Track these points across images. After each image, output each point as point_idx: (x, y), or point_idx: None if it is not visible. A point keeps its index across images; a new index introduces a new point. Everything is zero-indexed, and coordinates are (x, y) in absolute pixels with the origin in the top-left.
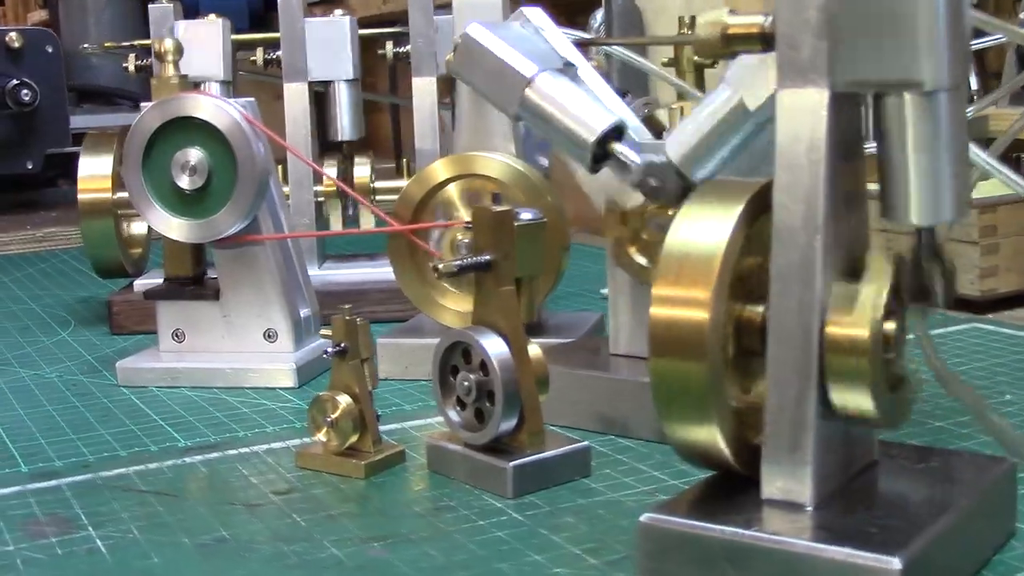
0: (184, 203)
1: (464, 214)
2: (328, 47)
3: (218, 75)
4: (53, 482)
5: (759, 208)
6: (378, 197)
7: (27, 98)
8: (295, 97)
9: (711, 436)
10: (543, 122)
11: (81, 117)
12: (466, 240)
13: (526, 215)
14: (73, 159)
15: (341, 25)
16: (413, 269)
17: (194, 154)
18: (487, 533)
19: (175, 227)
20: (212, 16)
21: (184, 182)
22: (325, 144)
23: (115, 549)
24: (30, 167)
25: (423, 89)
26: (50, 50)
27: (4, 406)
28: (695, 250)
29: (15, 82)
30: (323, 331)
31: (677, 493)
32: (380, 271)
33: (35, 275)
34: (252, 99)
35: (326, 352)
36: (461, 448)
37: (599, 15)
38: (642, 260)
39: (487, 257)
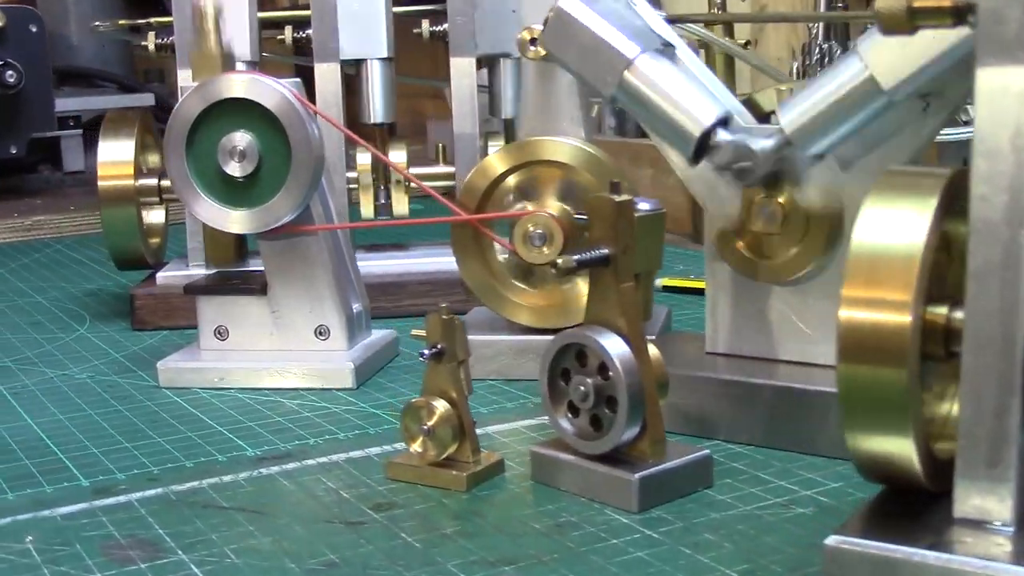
0: (233, 191)
1: (528, 203)
2: (361, 23)
3: (244, 55)
4: (121, 498)
5: (951, 200)
6: (414, 184)
7: (12, 79)
8: (326, 78)
9: (905, 450)
10: (642, 107)
11: (63, 100)
12: (539, 231)
13: (644, 205)
14: (56, 144)
15: (375, 0)
16: (478, 261)
17: (242, 138)
18: (625, 553)
19: (226, 218)
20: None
21: (233, 169)
22: (354, 128)
23: None
24: (14, 151)
25: (462, 70)
26: (34, 29)
27: (40, 410)
28: (890, 249)
29: None
30: (416, 331)
31: (854, 512)
32: (417, 262)
33: (32, 266)
34: (298, 79)
35: (422, 355)
36: (574, 458)
37: None
38: (748, 254)
39: (606, 251)
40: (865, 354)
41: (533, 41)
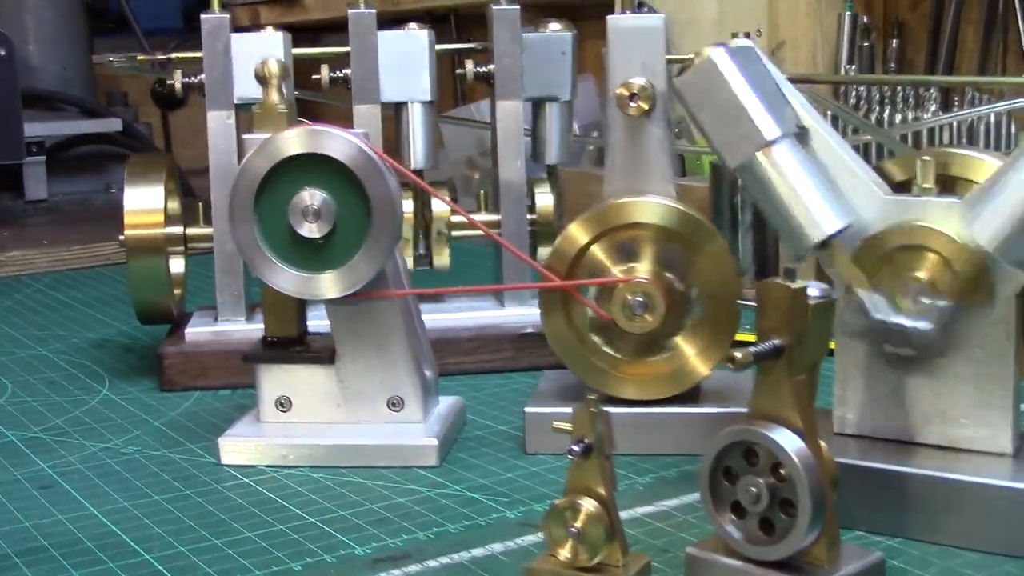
0: (308, 254)
1: (615, 270)
2: (403, 64)
3: None
4: None
5: None
6: (455, 232)
7: None
8: (366, 120)
9: None
10: (764, 192)
11: (27, 125)
12: (639, 299)
13: (814, 291)
14: (17, 171)
15: (419, 40)
16: (567, 327)
17: (316, 196)
18: None
19: (309, 284)
20: (270, 28)
21: (307, 230)
22: None
23: None
24: None
25: (508, 114)
26: (2, 53)
27: (98, 495)
28: None
29: None
30: (558, 423)
31: None
32: (463, 315)
33: (17, 309)
34: (365, 130)
35: (571, 451)
36: (740, 564)
37: None
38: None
39: (779, 342)
40: None
41: (633, 97)
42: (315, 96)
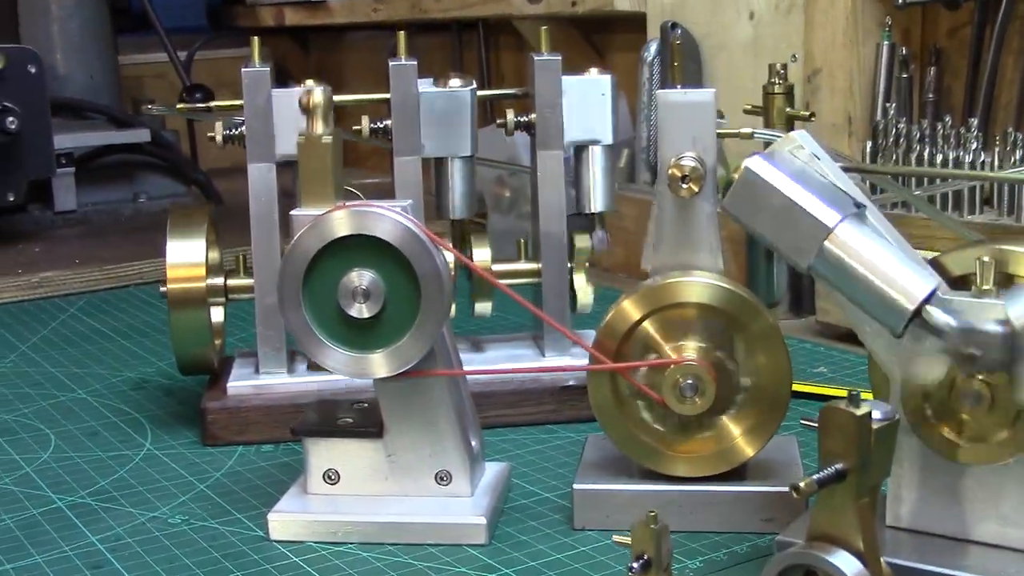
0: (355, 333)
1: (666, 349)
2: (445, 121)
3: None
4: None
5: None
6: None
7: (12, 126)
8: (406, 173)
9: None
10: (846, 278)
11: (56, 137)
12: (689, 381)
13: (877, 413)
14: (47, 182)
15: (462, 98)
16: (613, 402)
17: (365, 276)
18: None
19: (361, 364)
20: (310, 82)
21: (356, 310)
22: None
23: None
24: (12, 199)
25: (550, 165)
26: (33, 70)
27: None
28: None
29: None
30: (619, 538)
31: None
32: (503, 365)
33: (54, 340)
34: (410, 201)
35: (631, 569)
36: None
37: (653, 47)
38: (952, 436)
39: (841, 467)
40: None
41: (684, 179)
42: (356, 138)
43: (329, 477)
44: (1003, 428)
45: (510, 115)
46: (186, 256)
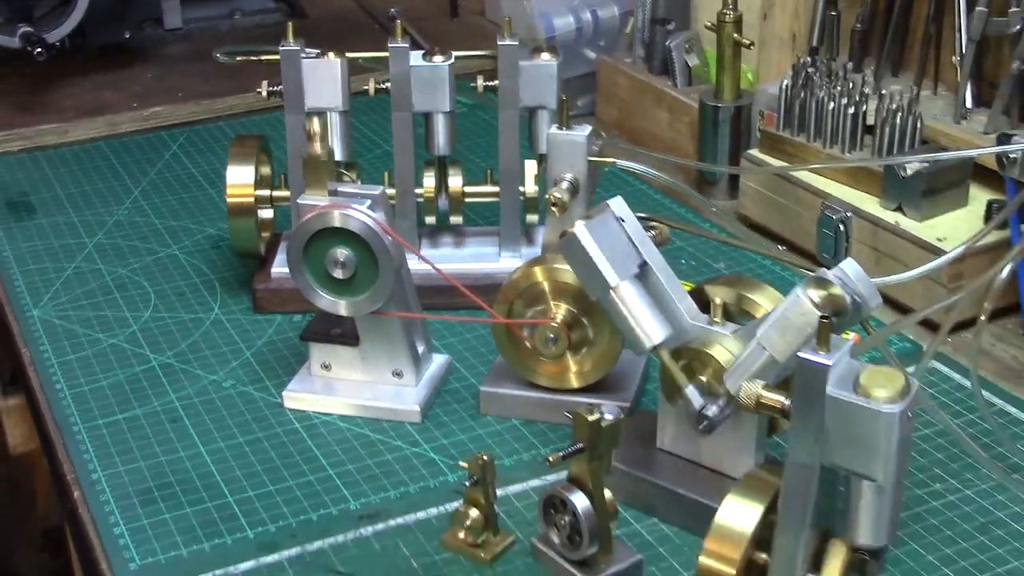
0: (338, 287)
1: (551, 304)
2: (430, 86)
3: (338, 106)
4: (276, 556)
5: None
6: (467, 200)
7: None
8: (401, 125)
9: None
10: (616, 316)
11: None
12: (551, 335)
13: (609, 416)
14: (157, 3)
15: (441, 69)
16: (512, 348)
17: (343, 253)
18: None
19: (334, 306)
20: (331, 55)
21: (337, 273)
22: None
23: None
24: (127, 36)
25: (507, 122)
26: None
27: (204, 433)
28: (735, 528)
29: None
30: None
31: None
32: (467, 265)
33: (159, 185)
34: (380, 189)
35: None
36: (558, 557)
37: None
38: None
39: (580, 446)
40: None
41: (555, 204)
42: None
43: (325, 366)
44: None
45: (480, 80)
46: (239, 179)
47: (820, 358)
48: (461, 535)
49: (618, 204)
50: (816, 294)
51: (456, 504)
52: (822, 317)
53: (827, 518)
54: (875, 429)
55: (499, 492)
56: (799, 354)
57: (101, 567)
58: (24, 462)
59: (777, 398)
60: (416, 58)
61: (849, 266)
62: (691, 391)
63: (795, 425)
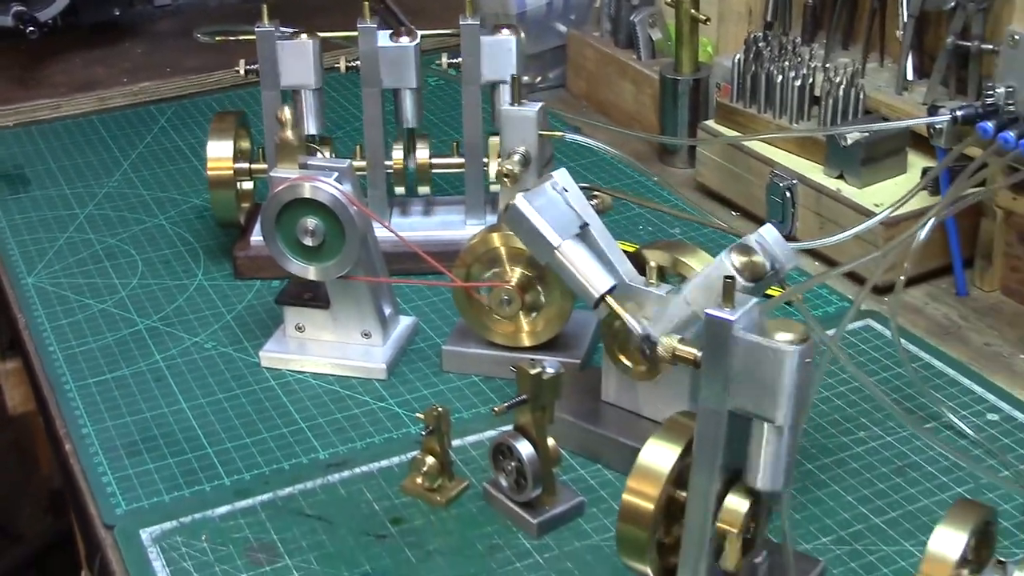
0: (308, 254)
1: (507, 267)
2: (396, 64)
3: (311, 84)
4: (250, 501)
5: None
6: (434, 171)
7: None
8: (371, 100)
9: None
10: (563, 272)
11: None
12: (506, 297)
13: (550, 370)
14: None
15: (407, 49)
16: (470, 309)
17: (312, 222)
18: (528, 557)
19: (304, 271)
20: (304, 36)
21: (307, 241)
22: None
23: None
24: (118, 14)
25: (470, 97)
26: None
27: (187, 391)
28: (654, 468)
29: None
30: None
31: None
32: (434, 233)
33: (147, 157)
34: (347, 163)
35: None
36: (506, 499)
37: None
38: (627, 363)
39: (524, 397)
40: (629, 519)
41: (506, 175)
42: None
43: (298, 328)
44: (640, 364)
45: (444, 57)
46: (219, 152)
47: (724, 314)
48: (419, 480)
49: (562, 175)
50: (738, 259)
51: (416, 453)
52: (726, 278)
53: (740, 462)
54: (775, 369)
55: (457, 442)
56: (706, 311)
57: (91, 511)
58: (24, 423)
59: (690, 350)
60: (384, 38)
61: (768, 231)
62: (632, 321)
63: (705, 374)
